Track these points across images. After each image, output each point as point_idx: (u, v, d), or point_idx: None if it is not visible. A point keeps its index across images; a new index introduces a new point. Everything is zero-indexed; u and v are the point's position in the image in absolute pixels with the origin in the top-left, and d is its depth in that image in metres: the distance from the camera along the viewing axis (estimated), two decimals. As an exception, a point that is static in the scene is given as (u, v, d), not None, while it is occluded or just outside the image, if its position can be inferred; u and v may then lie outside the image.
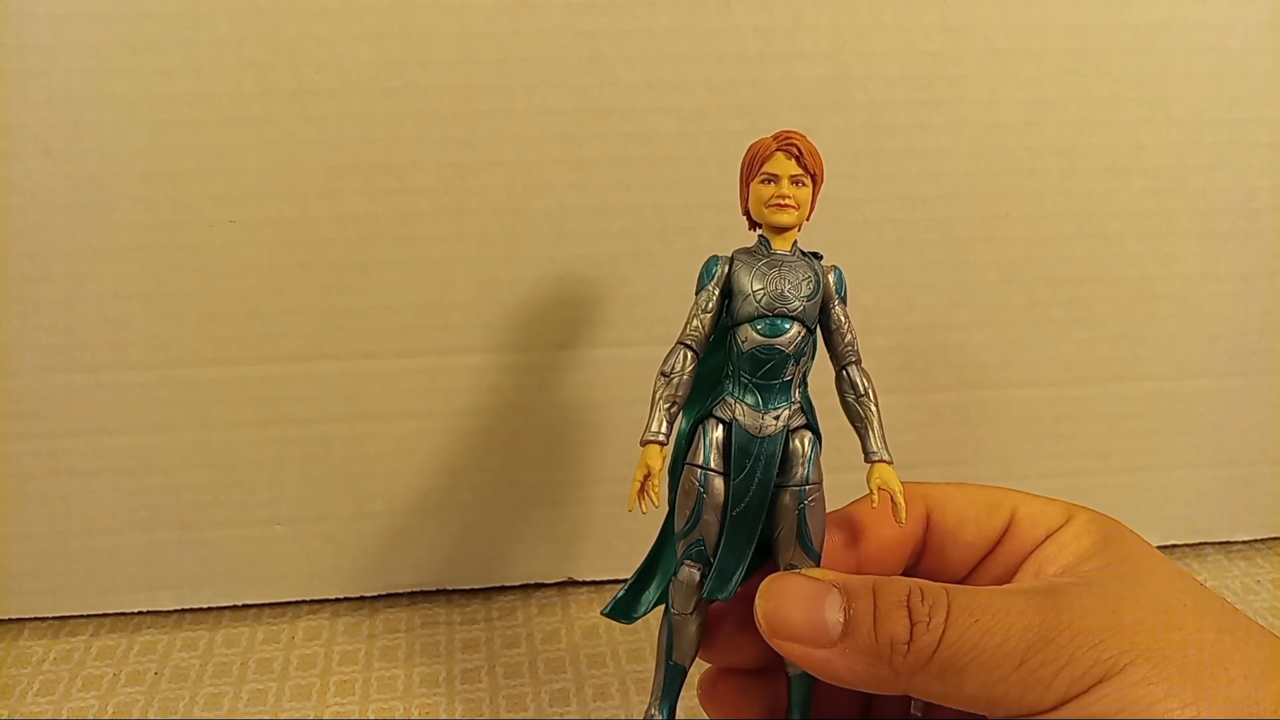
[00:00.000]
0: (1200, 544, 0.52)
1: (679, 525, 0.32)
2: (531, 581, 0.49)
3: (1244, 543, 0.53)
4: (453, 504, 0.47)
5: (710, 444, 0.32)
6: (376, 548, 0.48)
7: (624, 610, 0.35)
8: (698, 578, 0.32)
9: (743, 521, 0.31)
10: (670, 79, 0.42)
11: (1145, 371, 0.49)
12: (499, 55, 0.41)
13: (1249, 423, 0.50)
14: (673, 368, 0.32)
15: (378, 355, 0.45)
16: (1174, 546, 0.52)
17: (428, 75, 0.41)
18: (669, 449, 0.32)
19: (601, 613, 0.35)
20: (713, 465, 0.31)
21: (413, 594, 0.49)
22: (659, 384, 0.32)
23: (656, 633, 0.35)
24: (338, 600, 0.49)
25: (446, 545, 0.48)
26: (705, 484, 0.31)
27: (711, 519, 0.31)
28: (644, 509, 0.31)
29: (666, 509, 0.33)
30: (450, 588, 0.49)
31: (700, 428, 0.32)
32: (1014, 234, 0.46)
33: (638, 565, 0.35)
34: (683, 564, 0.32)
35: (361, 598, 0.49)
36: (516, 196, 0.43)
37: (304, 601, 0.49)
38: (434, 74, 0.41)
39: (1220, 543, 0.53)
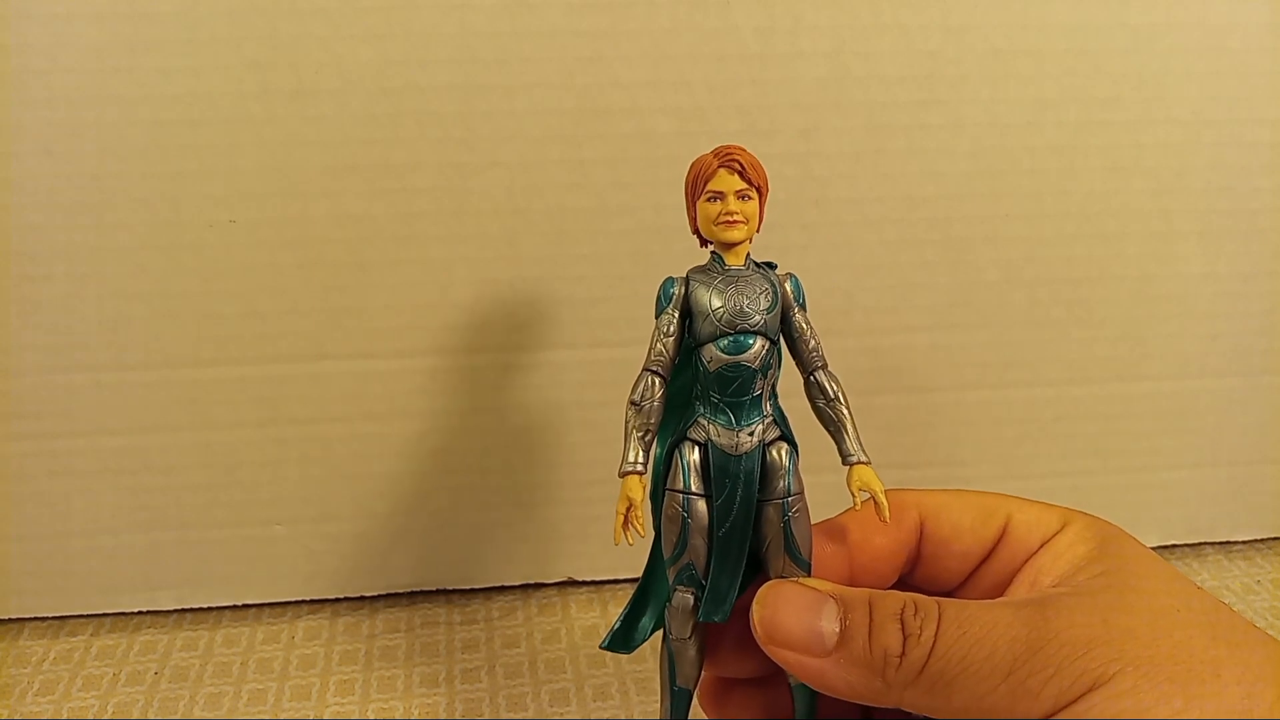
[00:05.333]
0: (1200, 544, 0.52)
1: (667, 552, 0.32)
2: (531, 581, 0.49)
3: (1244, 543, 0.53)
4: (453, 504, 0.47)
5: (688, 467, 0.31)
6: (376, 548, 0.48)
7: (622, 641, 0.35)
8: (692, 602, 0.32)
9: (730, 541, 0.31)
10: (670, 79, 0.42)
11: (1145, 371, 0.49)
12: (499, 55, 0.41)
13: (1249, 423, 0.50)
14: (642, 395, 0.32)
15: (378, 355, 0.45)
16: (1174, 546, 0.52)
17: (428, 75, 0.41)
18: (647, 477, 0.32)
19: (600, 646, 0.35)
20: (693, 489, 0.31)
21: (413, 594, 0.49)
22: (630, 413, 0.32)
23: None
24: (338, 600, 0.49)
25: (447, 545, 0.48)
26: (688, 508, 0.31)
27: (699, 542, 0.31)
28: (630, 540, 0.31)
29: (653, 536, 0.33)
30: (450, 588, 0.49)
31: (676, 452, 0.32)
32: (1014, 234, 0.46)
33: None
34: (675, 590, 0.32)
35: (361, 598, 0.49)
36: (516, 196, 0.43)
37: (304, 601, 0.49)
38: (434, 74, 0.41)
39: (1220, 543, 0.53)
